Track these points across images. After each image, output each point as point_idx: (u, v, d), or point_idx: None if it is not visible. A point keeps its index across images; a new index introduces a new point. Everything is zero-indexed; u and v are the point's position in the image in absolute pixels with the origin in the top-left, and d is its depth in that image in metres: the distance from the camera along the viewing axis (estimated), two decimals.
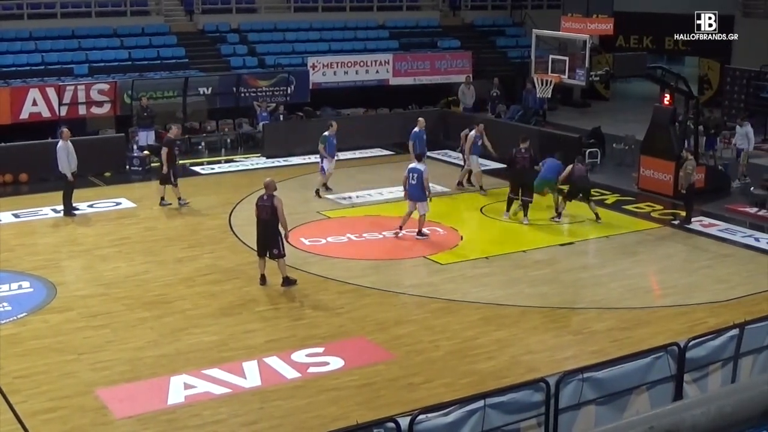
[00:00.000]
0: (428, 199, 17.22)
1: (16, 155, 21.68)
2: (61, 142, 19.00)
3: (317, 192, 20.33)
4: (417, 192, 17.06)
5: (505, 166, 19.59)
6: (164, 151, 19.18)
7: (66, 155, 18.75)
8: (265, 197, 14.64)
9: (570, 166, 18.69)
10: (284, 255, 14.68)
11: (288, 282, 14.72)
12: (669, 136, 20.56)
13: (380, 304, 14.14)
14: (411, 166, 17.33)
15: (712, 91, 32.43)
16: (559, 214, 18.78)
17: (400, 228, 17.32)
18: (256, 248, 14.98)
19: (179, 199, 19.47)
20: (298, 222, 18.32)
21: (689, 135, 21.30)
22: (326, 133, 20.43)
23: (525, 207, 18.58)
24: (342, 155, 21.82)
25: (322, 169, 20.42)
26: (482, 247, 17.01)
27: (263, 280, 14.78)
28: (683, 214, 18.66)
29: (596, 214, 18.70)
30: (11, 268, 15.45)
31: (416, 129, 20.92)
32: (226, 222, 18.46)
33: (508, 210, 18.87)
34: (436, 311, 13.83)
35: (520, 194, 18.60)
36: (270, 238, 14.64)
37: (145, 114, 24.21)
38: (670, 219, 18.91)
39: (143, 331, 12.94)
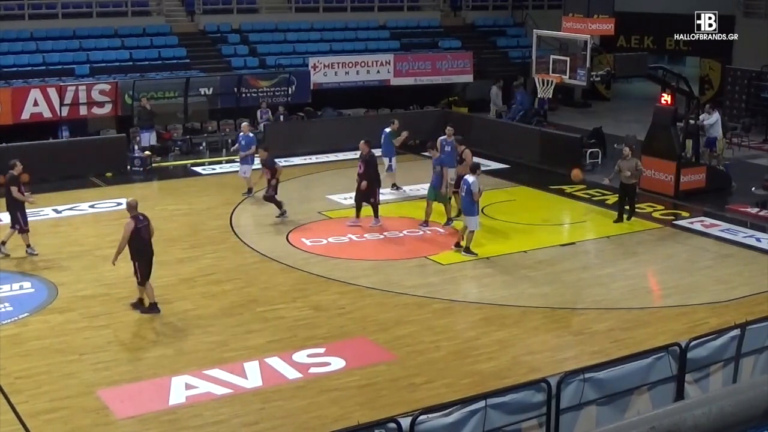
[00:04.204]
0: (477, 215, 16.37)
1: (18, 156, 21.48)
2: None
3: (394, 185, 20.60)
4: (464, 204, 16.45)
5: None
6: (13, 189, 16.00)
7: None
8: (141, 217, 13.43)
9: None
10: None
11: (139, 306, 13.65)
12: (670, 136, 20.56)
13: (381, 304, 14.14)
14: (465, 177, 16.46)
15: (713, 91, 32.42)
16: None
17: (458, 244, 16.56)
18: (147, 274, 13.58)
19: (28, 246, 16.18)
20: (300, 222, 18.36)
21: (691, 135, 21.31)
22: (388, 130, 20.58)
23: None
24: (343, 155, 21.86)
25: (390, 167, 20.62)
26: (483, 248, 16.99)
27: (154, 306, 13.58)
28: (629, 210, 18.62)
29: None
30: (12, 269, 15.46)
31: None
32: (227, 222, 18.47)
33: None
34: (437, 312, 13.84)
35: None
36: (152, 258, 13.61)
37: (146, 115, 24.16)
38: (672, 219, 18.90)
39: (144, 332, 12.96)
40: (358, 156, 18.59)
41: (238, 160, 20.92)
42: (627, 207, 18.54)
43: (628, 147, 18.78)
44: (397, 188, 20.83)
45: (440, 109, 29.37)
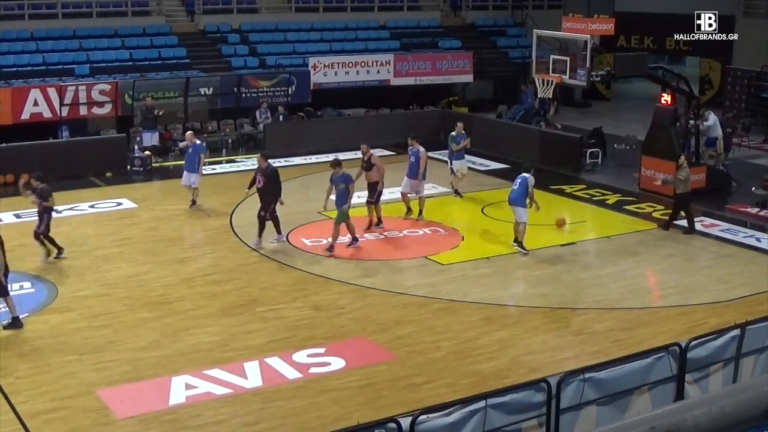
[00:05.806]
0: (527, 207, 16.35)
1: (18, 156, 21.67)
2: None
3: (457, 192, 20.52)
4: (515, 197, 16.36)
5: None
6: None
7: None
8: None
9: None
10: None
11: (17, 323, 13.02)
12: (670, 136, 20.56)
13: (381, 304, 14.14)
14: (522, 174, 16.58)
15: (713, 91, 32.45)
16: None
17: (519, 242, 16.50)
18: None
19: None
20: (299, 222, 18.36)
21: (691, 135, 21.31)
22: (453, 133, 20.48)
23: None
24: (343, 156, 21.78)
25: (452, 171, 20.54)
26: (483, 248, 17.00)
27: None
28: (681, 221, 18.16)
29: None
30: (12, 269, 15.32)
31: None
32: (227, 222, 18.48)
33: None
34: (438, 311, 13.84)
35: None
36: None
37: (151, 116, 24.16)
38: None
39: (144, 332, 12.96)
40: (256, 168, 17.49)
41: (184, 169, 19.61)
42: (684, 216, 18.03)
43: (683, 155, 18.38)
44: (458, 194, 20.67)
45: (440, 109, 29.37)
